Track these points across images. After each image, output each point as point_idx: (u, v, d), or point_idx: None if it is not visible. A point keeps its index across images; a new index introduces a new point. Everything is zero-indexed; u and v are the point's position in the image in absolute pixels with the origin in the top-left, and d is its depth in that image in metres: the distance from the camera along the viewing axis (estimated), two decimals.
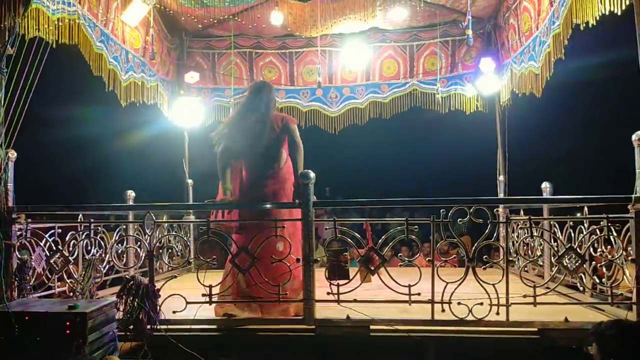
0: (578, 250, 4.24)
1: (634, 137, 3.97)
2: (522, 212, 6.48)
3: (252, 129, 4.61)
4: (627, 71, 4.09)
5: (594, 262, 4.62)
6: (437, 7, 7.38)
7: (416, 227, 4.14)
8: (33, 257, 4.36)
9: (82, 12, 5.17)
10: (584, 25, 4.53)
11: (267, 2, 7.18)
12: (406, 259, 4.20)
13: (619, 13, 4.05)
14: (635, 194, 3.93)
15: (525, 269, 6.47)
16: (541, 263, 5.87)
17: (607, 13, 4.18)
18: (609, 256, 4.30)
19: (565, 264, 4.30)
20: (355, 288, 4.15)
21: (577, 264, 4.20)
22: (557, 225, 5.21)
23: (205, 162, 8.92)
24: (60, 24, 4.81)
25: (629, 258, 4.01)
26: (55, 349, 3.40)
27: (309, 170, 4.28)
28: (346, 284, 4.14)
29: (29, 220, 4.44)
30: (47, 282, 4.57)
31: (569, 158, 9.80)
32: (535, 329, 3.97)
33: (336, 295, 4.14)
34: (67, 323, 3.43)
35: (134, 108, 6.55)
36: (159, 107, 7.31)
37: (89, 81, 5.64)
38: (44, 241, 4.51)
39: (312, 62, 8.08)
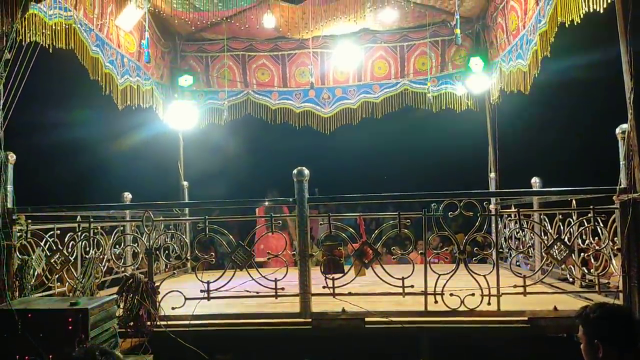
0: (566, 241, 4.36)
1: (617, 130, 4.09)
2: (513, 208, 6.60)
3: None
4: (612, 70, 4.21)
5: (582, 254, 4.74)
6: (426, 8, 7.51)
7: (408, 221, 4.25)
8: (33, 257, 4.43)
9: (77, 17, 5.25)
10: (569, 23, 4.65)
11: (259, 5, 7.29)
12: (399, 252, 4.29)
13: (601, 11, 4.19)
14: (620, 185, 4.05)
15: (517, 263, 6.61)
16: (532, 255, 6.00)
17: (590, 11, 4.31)
18: (597, 247, 4.42)
19: (554, 254, 4.42)
20: (350, 281, 4.25)
21: (565, 254, 4.32)
22: (546, 218, 5.33)
23: (200, 164, 9.04)
24: (57, 28, 4.89)
25: (615, 248, 4.13)
26: (58, 345, 3.46)
27: (303, 168, 4.38)
28: (341, 277, 4.24)
29: (29, 221, 4.51)
30: (47, 282, 4.64)
31: (558, 154, 9.94)
32: (526, 318, 4.09)
33: (331, 289, 4.24)
34: (69, 319, 3.48)
35: (130, 111, 6.63)
36: (154, 110, 7.39)
37: (86, 85, 5.72)
38: (43, 241, 4.58)
39: (305, 63, 8.20)
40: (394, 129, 9.95)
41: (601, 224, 4.35)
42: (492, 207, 6.88)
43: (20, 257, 4.38)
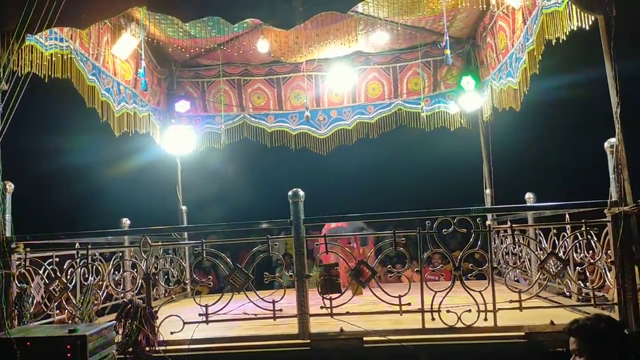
0: (560, 255, 4.40)
1: (606, 144, 4.15)
2: (509, 223, 6.63)
3: None
4: (601, 87, 4.31)
5: (578, 268, 4.77)
6: (417, 29, 7.65)
7: (403, 239, 4.29)
8: (32, 286, 4.45)
9: (74, 47, 5.36)
10: (555, 40, 4.77)
11: (252, 30, 7.42)
12: (395, 270, 4.32)
13: (587, 28, 4.30)
14: (611, 198, 4.10)
15: (516, 278, 6.62)
16: (527, 270, 6.03)
17: (574, 29, 4.43)
18: (591, 260, 4.46)
19: (549, 269, 4.45)
20: (348, 301, 4.27)
21: (559, 268, 4.35)
22: (541, 233, 5.38)
23: (198, 188, 9.10)
24: (54, 59, 4.99)
25: (609, 261, 4.16)
26: None
27: (298, 189, 4.43)
28: (338, 297, 4.26)
29: (28, 249, 4.55)
30: (46, 310, 4.66)
31: (551, 169, 10.05)
32: (523, 333, 4.10)
33: (329, 309, 4.27)
34: (68, 346, 3.49)
35: (127, 137, 6.71)
36: (151, 136, 7.47)
37: (83, 112, 5.81)
38: (42, 269, 4.61)
39: (300, 86, 8.33)
40: (389, 148, 10.06)
41: (594, 238, 4.40)
42: (488, 223, 6.93)
43: (19, 285, 4.40)
